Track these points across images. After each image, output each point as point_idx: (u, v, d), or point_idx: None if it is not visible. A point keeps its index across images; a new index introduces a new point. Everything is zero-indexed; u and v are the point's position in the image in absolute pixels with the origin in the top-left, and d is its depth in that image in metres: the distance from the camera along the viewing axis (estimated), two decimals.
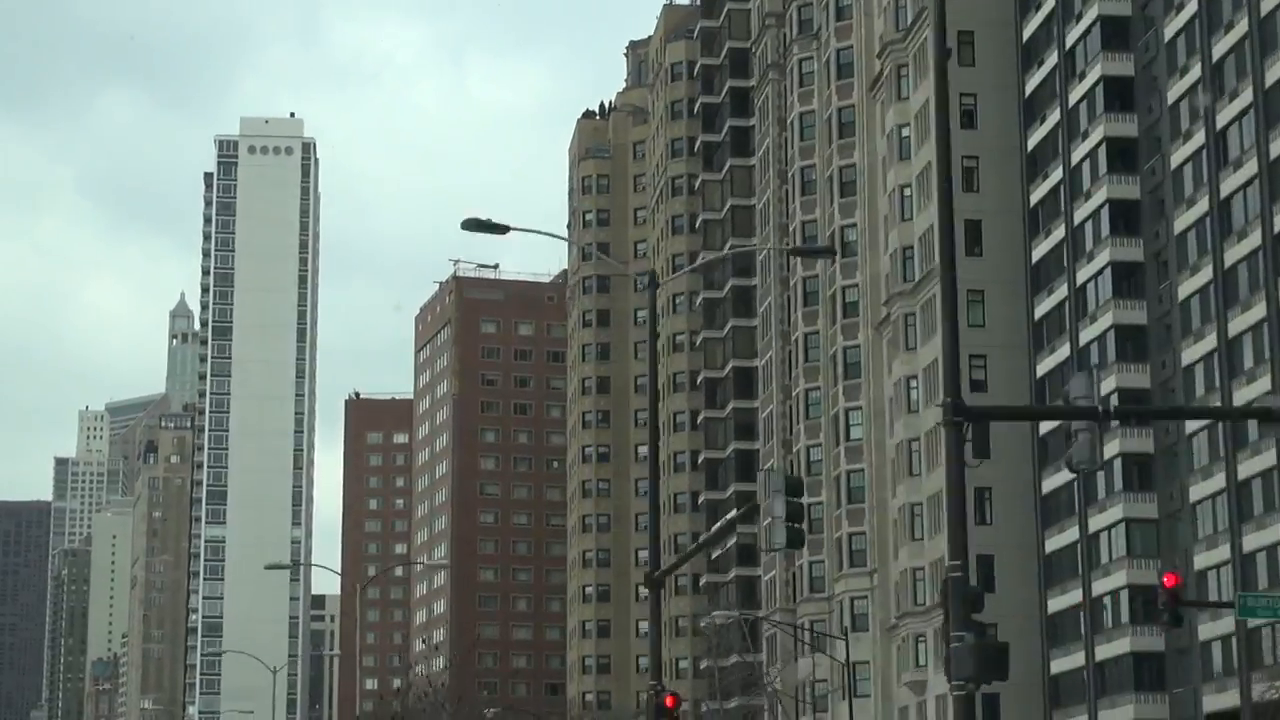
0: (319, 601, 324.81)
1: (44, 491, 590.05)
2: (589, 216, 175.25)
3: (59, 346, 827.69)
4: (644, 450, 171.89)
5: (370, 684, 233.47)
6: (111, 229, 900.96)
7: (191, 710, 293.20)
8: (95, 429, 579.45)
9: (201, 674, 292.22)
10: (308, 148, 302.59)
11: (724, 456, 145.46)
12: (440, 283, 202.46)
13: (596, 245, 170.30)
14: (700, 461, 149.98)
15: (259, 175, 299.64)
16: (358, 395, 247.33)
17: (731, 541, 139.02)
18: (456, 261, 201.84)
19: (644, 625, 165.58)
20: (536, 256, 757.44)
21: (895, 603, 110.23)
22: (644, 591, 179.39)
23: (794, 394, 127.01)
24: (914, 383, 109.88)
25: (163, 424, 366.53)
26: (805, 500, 47.81)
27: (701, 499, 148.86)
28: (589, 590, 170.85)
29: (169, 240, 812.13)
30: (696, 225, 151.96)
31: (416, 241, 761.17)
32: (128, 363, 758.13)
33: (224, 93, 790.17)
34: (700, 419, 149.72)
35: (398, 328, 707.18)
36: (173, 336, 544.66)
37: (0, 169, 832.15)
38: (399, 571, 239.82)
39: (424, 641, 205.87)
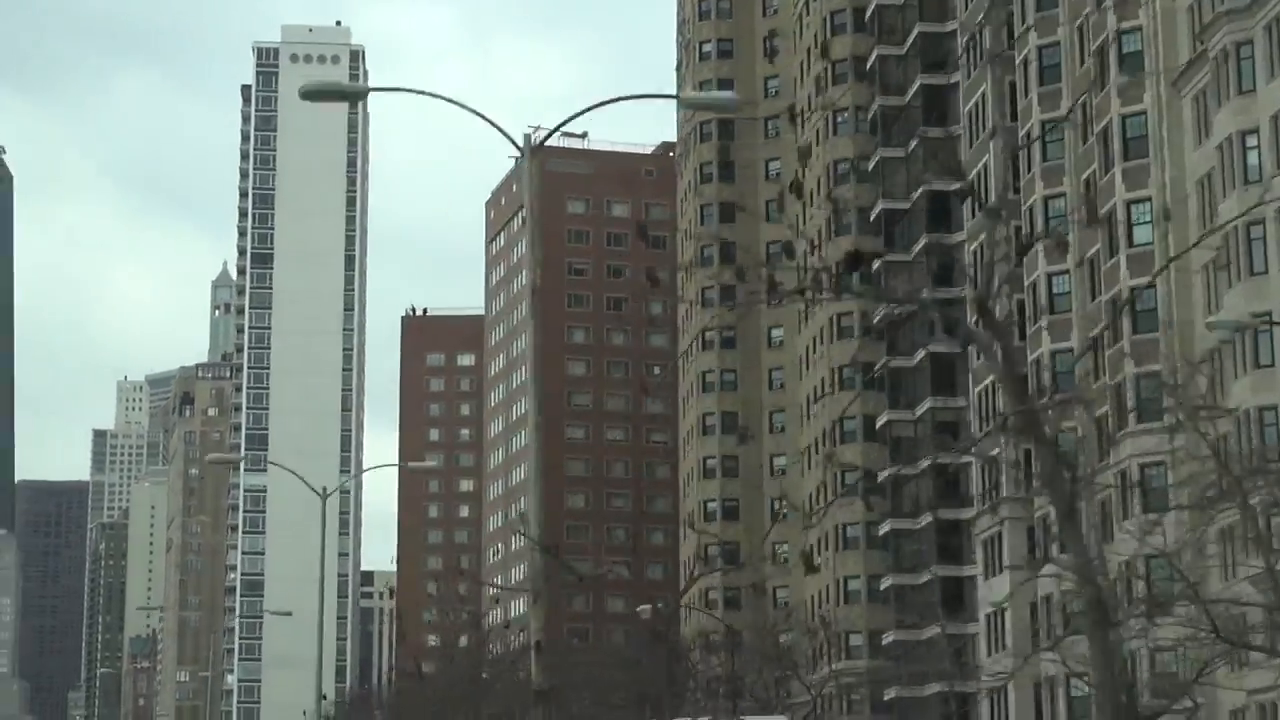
0: (368, 578, 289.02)
1: (82, 471, 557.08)
2: (706, 48, 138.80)
3: (95, 330, 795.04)
4: (778, 335, 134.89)
5: (433, 641, 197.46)
6: (138, 210, 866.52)
7: (230, 679, 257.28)
8: (134, 400, 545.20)
9: (241, 638, 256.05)
10: (356, 56, 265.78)
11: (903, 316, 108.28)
12: (515, 158, 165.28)
13: (717, 82, 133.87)
14: (872, 326, 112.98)
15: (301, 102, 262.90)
16: (416, 311, 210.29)
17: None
18: (534, 128, 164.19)
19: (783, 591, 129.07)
20: (630, 128, 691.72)
21: None
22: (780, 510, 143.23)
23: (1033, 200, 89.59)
24: (1252, 139, 72.62)
25: (199, 374, 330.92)
26: None
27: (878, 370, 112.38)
28: (712, 507, 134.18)
29: (200, 218, 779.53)
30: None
31: (474, 149, 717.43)
32: (167, 341, 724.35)
33: (242, 74, 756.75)
34: (879, 266, 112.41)
35: (455, 247, 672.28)
36: (215, 308, 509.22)
37: (24, 154, 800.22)
38: (464, 512, 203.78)
39: (495, 585, 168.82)
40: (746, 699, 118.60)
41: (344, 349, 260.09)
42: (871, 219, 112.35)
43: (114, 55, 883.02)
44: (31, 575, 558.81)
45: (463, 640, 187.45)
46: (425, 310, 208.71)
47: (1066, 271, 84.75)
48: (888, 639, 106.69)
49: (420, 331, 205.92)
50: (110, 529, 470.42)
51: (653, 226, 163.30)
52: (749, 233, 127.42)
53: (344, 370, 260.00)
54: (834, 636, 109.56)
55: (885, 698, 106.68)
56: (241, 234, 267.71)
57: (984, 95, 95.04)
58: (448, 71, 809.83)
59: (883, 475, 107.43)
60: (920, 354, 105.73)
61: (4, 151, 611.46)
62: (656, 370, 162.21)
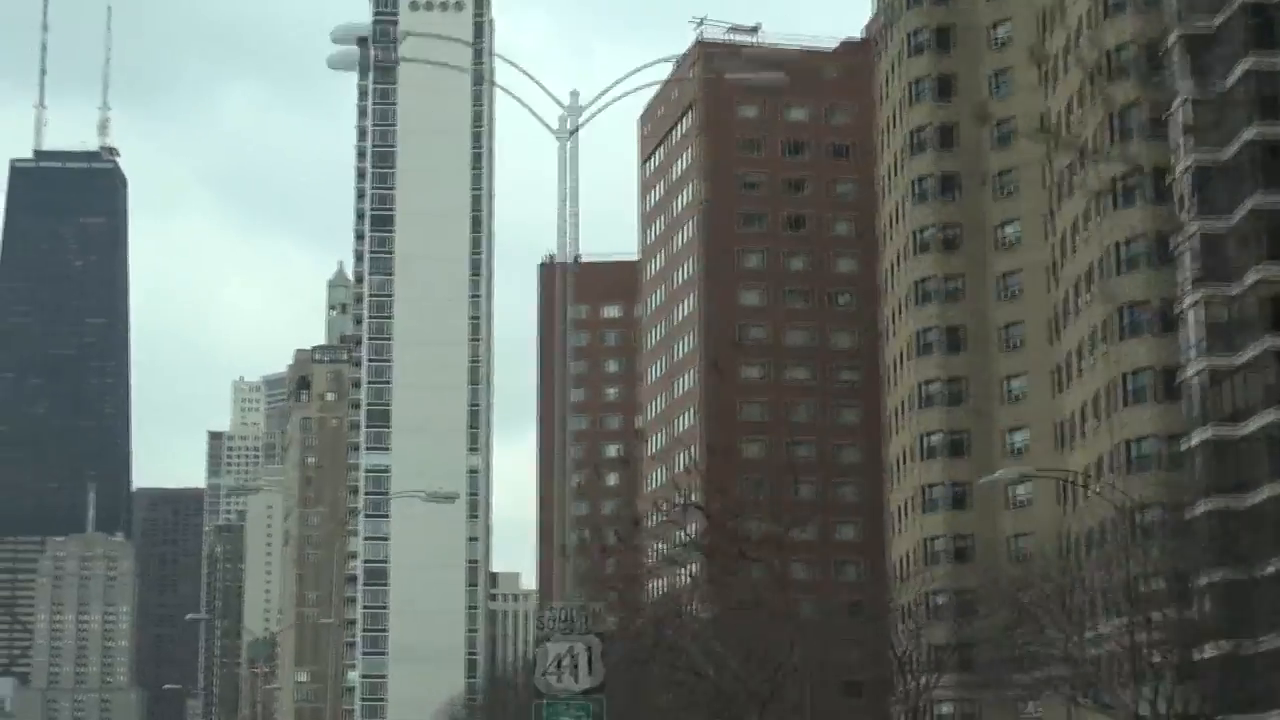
0: (491, 579, 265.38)
1: (198, 478, 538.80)
2: None
3: (209, 338, 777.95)
4: (1009, 232, 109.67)
5: None
6: (246, 219, 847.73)
7: (352, 675, 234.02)
8: (251, 401, 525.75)
9: (364, 631, 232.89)
10: (480, 1, 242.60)
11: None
12: (677, 59, 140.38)
13: None
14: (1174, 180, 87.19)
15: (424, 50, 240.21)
16: (556, 258, 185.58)
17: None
18: (700, 21, 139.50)
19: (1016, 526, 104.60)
20: (809, 22, 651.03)
21: None
22: (1019, 443, 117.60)
23: None
24: None
25: (315, 357, 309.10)
26: None
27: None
28: (934, 441, 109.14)
29: (309, 226, 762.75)
30: None
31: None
32: (282, 346, 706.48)
33: (345, 86, 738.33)
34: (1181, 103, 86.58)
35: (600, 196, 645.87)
36: (331, 308, 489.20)
37: (133, 162, 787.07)
38: (610, 480, 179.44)
39: (655, 550, 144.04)
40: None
41: (470, 317, 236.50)
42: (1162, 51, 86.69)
43: (218, 66, 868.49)
44: (149, 583, 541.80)
45: (610, 621, 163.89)
46: (553, 258, 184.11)
47: None
48: (1203, 581, 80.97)
49: (561, 281, 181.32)
50: (227, 531, 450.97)
51: (837, 134, 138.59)
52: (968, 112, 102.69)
53: (471, 340, 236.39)
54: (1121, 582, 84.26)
55: (1202, 656, 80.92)
56: (360, 195, 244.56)
57: None
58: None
59: (1192, 370, 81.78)
60: (1243, 209, 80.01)
61: (117, 155, 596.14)
62: (844, 299, 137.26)
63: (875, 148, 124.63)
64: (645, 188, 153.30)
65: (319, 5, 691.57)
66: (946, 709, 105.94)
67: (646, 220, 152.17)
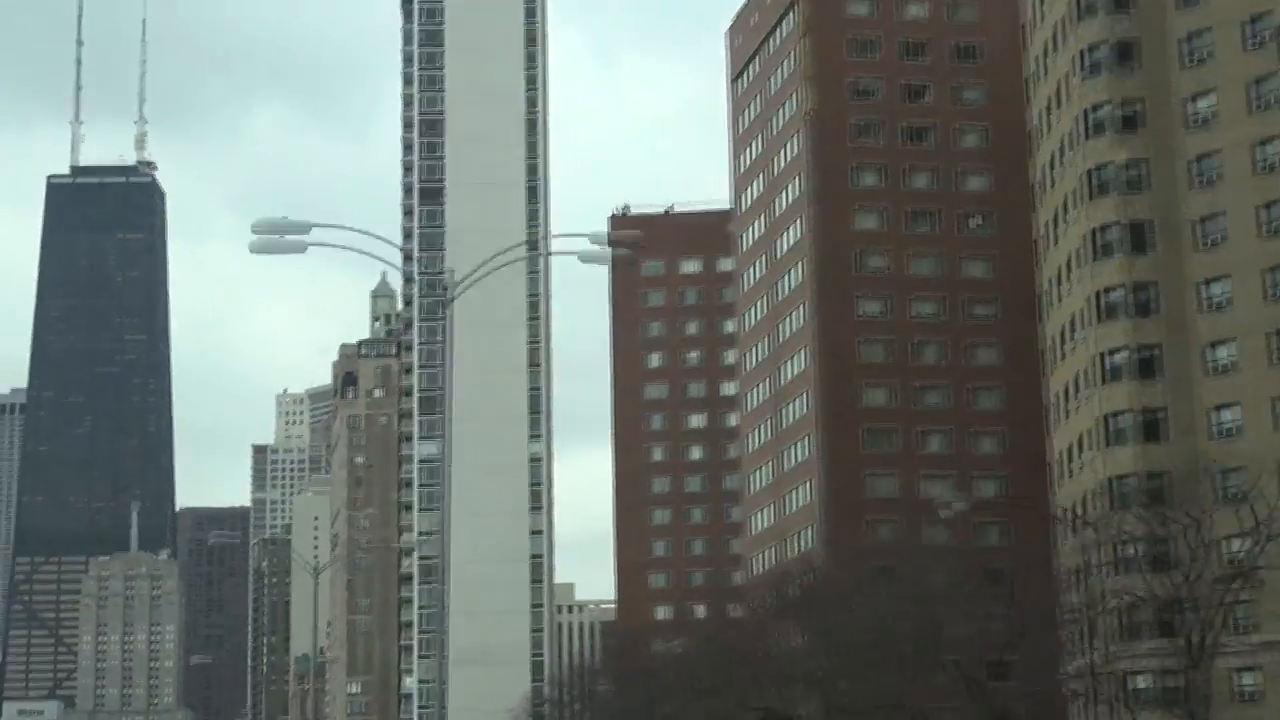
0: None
1: (241, 496, 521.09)
2: None
3: (249, 358, 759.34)
4: (1202, 107, 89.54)
5: (664, 613, 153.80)
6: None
7: (409, 681, 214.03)
8: (295, 414, 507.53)
9: (420, 632, 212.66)
10: None
11: None
12: None
13: None
14: None
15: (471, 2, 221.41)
16: (628, 210, 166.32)
17: None
18: None
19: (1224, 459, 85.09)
20: None
21: None
22: (1223, 360, 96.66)
23: None
24: None
25: (362, 352, 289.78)
26: None
27: None
28: (1117, 360, 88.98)
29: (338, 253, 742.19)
30: None
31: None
32: (319, 367, 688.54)
33: (373, 109, 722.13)
34: None
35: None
36: (375, 319, 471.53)
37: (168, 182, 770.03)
38: (694, 454, 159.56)
39: (763, 516, 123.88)
40: None
41: (529, 295, 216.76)
42: None
43: (248, 82, 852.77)
44: (196, 604, 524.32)
45: (700, 610, 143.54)
46: (627, 210, 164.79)
47: None
48: None
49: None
50: (272, 544, 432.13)
51: (962, 32, 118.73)
52: None
53: (530, 320, 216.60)
54: None
55: None
56: (407, 169, 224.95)
57: None
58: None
59: None
60: None
61: (154, 168, 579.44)
62: (976, 221, 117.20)
63: (1017, 31, 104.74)
64: (737, 108, 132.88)
65: (351, 23, 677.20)
66: (1143, 682, 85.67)
67: (739, 145, 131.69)
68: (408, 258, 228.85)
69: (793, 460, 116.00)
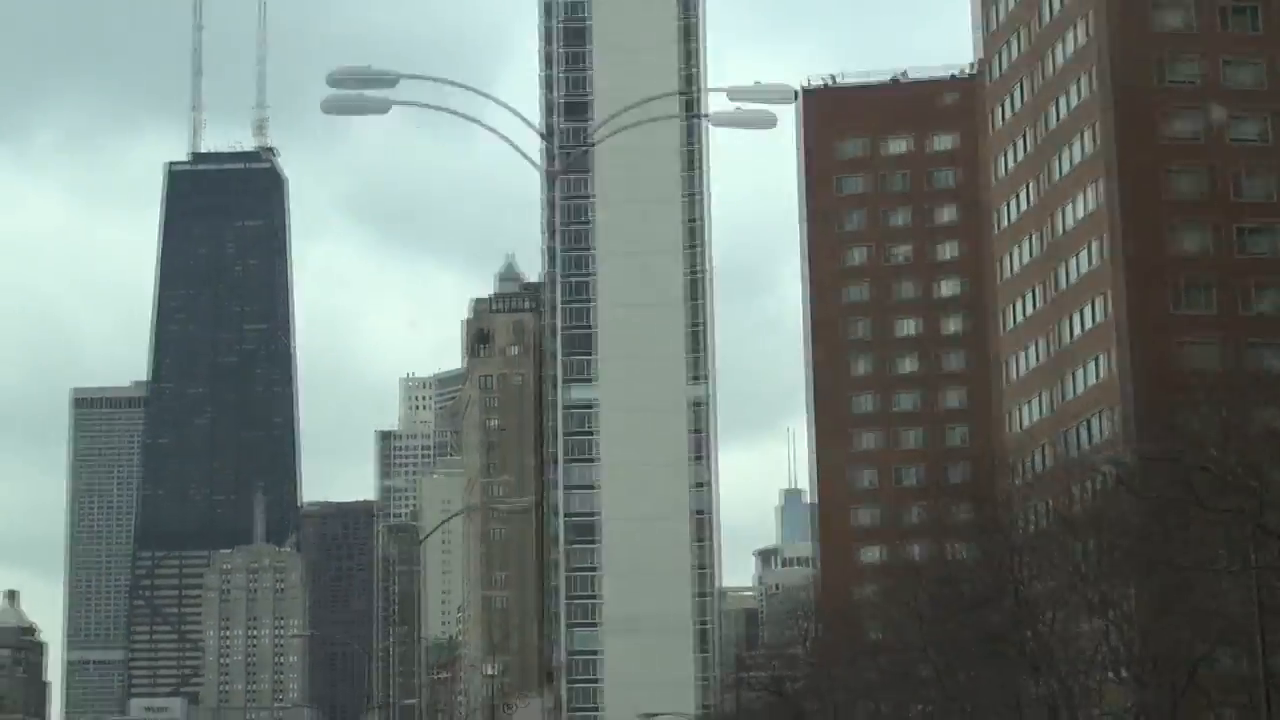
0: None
1: (366, 490, 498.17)
2: None
3: (362, 357, 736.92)
4: None
5: (872, 555, 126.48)
6: (382, 246, 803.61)
7: (559, 653, 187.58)
8: (421, 398, 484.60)
9: (569, 598, 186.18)
10: None
11: None
12: None
13: None
14: None
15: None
16: (835, 80, 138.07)
17: None
18: None
19: None
20: None
21: None
22: None
23: None
24: None
25: (493, 307, 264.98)
26: None
27: None
28: None
29: (453, 249, 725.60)
30: None
31: None
32: (449, 351, 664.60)
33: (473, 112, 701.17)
34: None
35: None
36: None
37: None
38: (907, 365, 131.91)
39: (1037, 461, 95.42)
40: None
41: (687, 221, 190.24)
42: None
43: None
44: (321, 599, 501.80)
45: (916, 551, 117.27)
46: (836, 78, 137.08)
47: None
48: None
49: (833, 109, 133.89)
50: (399, 531, 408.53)
51: None
52: None
53: (687, 248, 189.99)
54: None
55: None
56: (549, 109, 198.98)
57: None
58: None
59: None
60: None
61: (275, 154, 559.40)
62: None
63: None
64: None
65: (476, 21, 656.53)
66: None
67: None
68: (551, 182, 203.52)
69: (1078, 329, 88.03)
